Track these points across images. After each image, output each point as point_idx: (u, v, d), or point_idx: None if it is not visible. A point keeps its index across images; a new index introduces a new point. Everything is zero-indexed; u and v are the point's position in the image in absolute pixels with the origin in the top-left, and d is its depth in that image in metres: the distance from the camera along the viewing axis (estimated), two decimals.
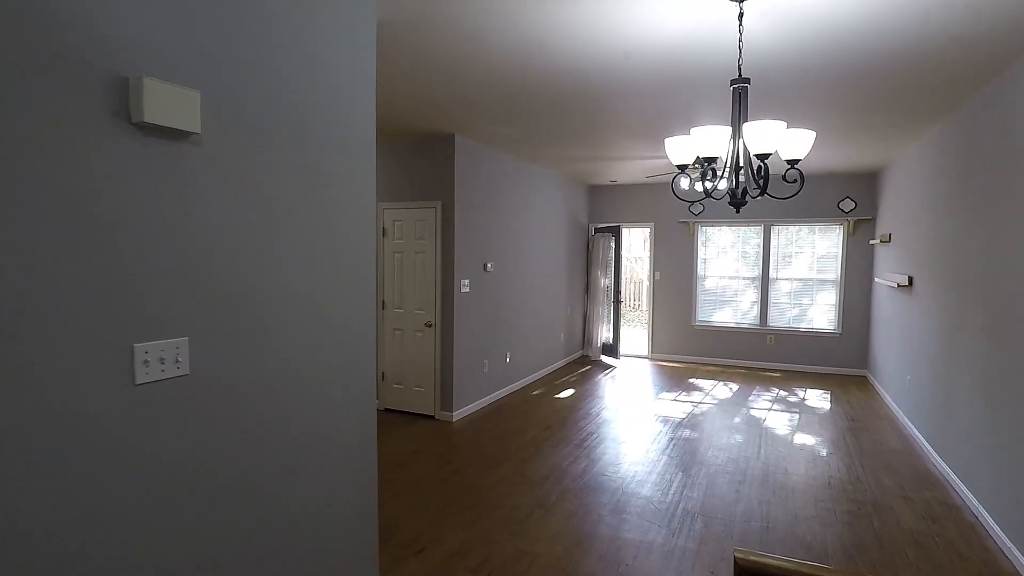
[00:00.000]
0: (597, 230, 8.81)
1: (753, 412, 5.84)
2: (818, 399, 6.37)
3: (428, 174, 5.40)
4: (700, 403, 6.17)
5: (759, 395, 6.54)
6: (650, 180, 8.19)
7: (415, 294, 5.52)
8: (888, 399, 6.13)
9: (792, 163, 2.35)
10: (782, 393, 6.63)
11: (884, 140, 5.42)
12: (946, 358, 4.20)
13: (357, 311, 2.14)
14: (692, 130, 2.33)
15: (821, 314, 7.87)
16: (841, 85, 3.74)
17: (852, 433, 5.14)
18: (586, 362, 8.43)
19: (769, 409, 5.95)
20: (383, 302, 5.66)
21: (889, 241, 6.34)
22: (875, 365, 7.05)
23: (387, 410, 5.70)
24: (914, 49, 3.04)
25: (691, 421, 5.49)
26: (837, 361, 7.72)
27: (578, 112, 4.42)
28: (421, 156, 5.42)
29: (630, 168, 7.13)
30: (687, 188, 6.60)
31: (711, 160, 2.34)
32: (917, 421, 4.94)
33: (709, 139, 2.29)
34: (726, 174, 2.49)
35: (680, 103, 4.14)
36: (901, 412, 5.51)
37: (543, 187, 7.23)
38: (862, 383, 7.15)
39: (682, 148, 2.50)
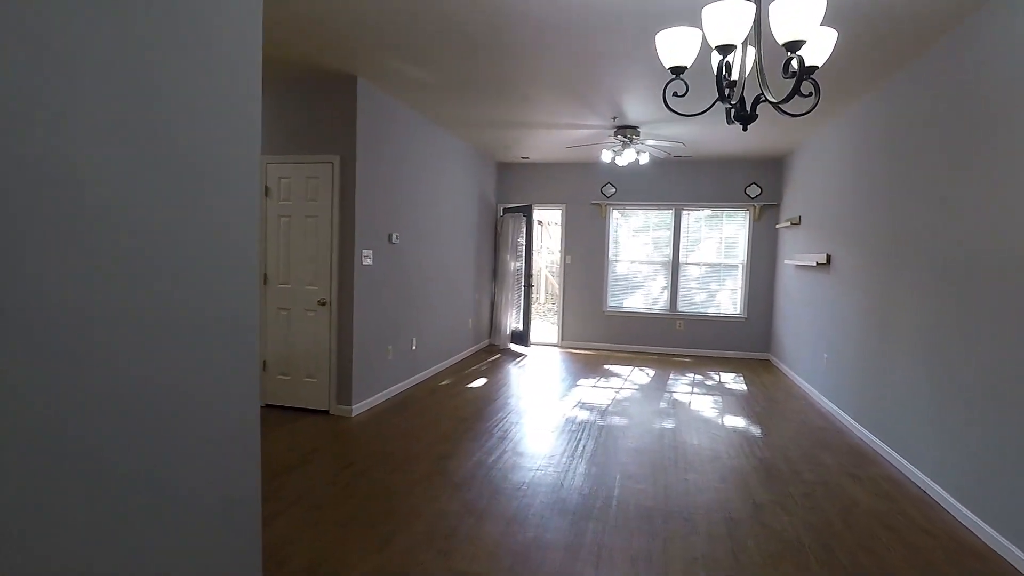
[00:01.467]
0: (506, 210, 8.26)
1: (677, 396, 5.56)
2: (733, 382, 6.26)
3: (324, 123, 4.51)
4: (621, 389, 5.80)
5: (677, 379, 6.32)
6: (563, 160, 7.78)
7: (305, 266, 4.60)
8: (798, 379, 6.15)
9: (810, 70, 1.86)
10: (698, 377, 6.47)
11: (791, 120, 5.35)
12: (879, 331, 4.09)
13: (232, 286, 1.41)
14: (704, 10, 1.78)
15: (727, 299, 7.90)
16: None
17: (776, 414, 4.99)
18: (494, 351, 7.85)
19: (691, 393, 5.72)
20: (265, 276, 4.67)
21: (799, 224, 6.38)
22: (779, 347, 7.13)
23: (268, 406, 4.72)
24: (845, 17, 2.78)
25: (617, 408, 5.08)
26: (743, 345, 7.77)
27: (498, 51, 3.81)
28: (315, 101, 4.52)
29: (547, 141, 6.64)
30: (608, 162, 6.24)
31: (727, 48, 1.80)
32: (837, 398, 4.88)
33: (726, 18, 1.74)
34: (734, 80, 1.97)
35: (624, 43, 3.65)
36: (816, 391, 5.49)
37: (453, 157, 6.53)
38: (767, 366, 7.22)
39: (681, 42, 1.94)
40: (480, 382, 5.92)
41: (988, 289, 2.84)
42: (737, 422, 4.71)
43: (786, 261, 6.70)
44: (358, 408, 4.65)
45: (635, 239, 8.18)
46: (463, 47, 3.77)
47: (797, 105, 1.92)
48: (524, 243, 8.00)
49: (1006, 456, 2.64)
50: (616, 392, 5.65)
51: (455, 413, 4.75)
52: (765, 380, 6.38)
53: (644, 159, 6.05)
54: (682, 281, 7.98)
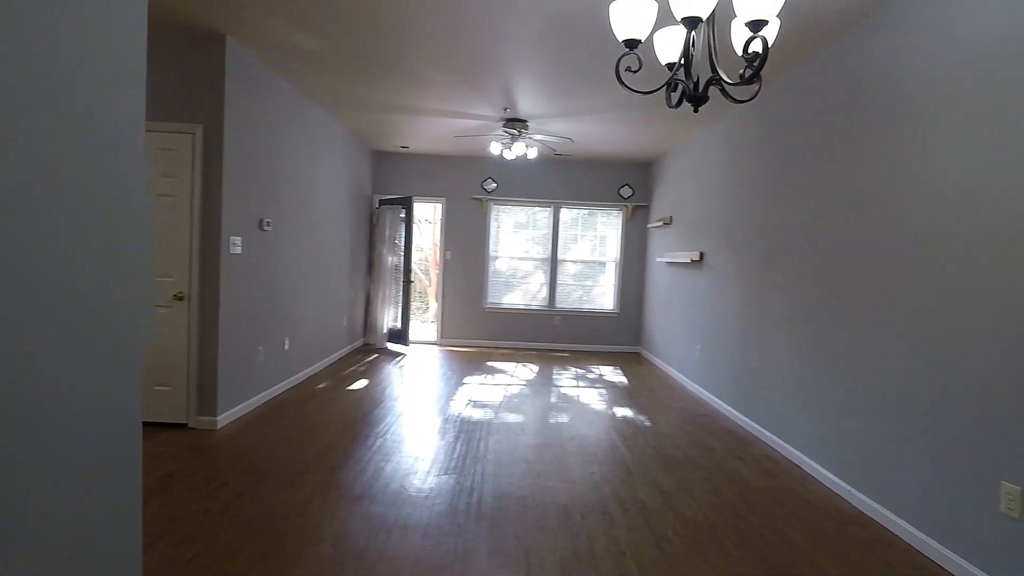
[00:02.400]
0: (383, 202, 7.82)
1: (564, 390, 5.60)
2: (613, 374, 6.48)
3: (183, 86, 3.84)
4: (510, 385, 5.72)
5: (560, 374, 6.39)
6: (444, 152, 7.54)
7: (158, 253, 3.89)
8: (671, 370, 6.53)
9: (756, 31, 1.79)
10: (580, 371, 6.61)
11: (669, 124, 5.68)
12: (753, 323, 4.43)
13: (114, 269, 1.05)
14: None
15: (601, 295, 8.20)
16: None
17: (658, 404, 5.22)
18: (370, 351, 7.38)
19: (577, 386, 5.80)
20: None
21: (670, 223, 6.78)
22: (650, 341, 7.55)
23: None
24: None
25: (510, 405, 4.97)
26: (615, 339, 8.12)
27: (388, 23, 3.50)
28: (172, 59, 3.83)
29: (431, 130, 6.36)
30: (498, 154, 6.14)
31: (694, 23, 1.72)
32: (712, 387, 5.23)
33: None
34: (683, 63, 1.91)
35: (529, 30, 3.54)
36: (689, 381, 5.85)
37: (329, 141, 6.00)
38: (639, 358, 7.60)
39: (638, 14, 1.83)
40: (362, 384, 5.49)
41: (854, 280, 3.15)
42: (626, 412, 4.84)
43: (657, 259, 7.10)
44: (225, 418, 4.03)
45: (516, 235, 8.18)
46: (352, 12, 3.41)
47: (742, 91, 1.91)
48: (403, 237, 7.62)
49: (873, 431, 2.94)
50: (505, 389, 5.55)
51: (340, 419, 4.32)
52: (640, 372, 6.69)
53: (532, 153, 6.03)
54: (560, 278, 8.14)
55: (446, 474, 3.32)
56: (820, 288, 3.54)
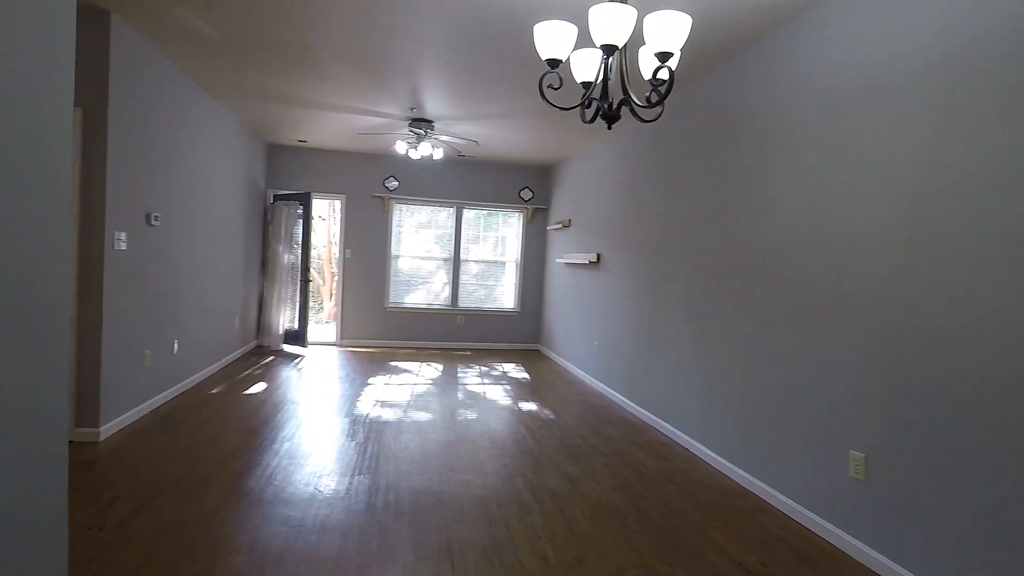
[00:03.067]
0: (278, 197, 7.49)
1: (471, 388, 5.72)
2: (516, 371, 6.70)
3: None
4: (416, 385, 5.74)
5: (465, 372, 6.50)
6: (344, 148, 7.37)
7: None
8: (569, 366, 6.87)
9: (663, 62, 2.03)
10: (484, 368, 6.76)
11: (570, 132, 6.00)
12: (648, 320, 4.81)
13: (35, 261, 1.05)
14: (592, 9, 1.85)
15: (503, 295, 8.42)
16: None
17: (559, 397, 5.50)
18: (265, 353, 7.05)
19: (483, 384, 5.94)
20: None
21: (569, 226, 7.12)
22: (549, 338, 7.87)
23: None
24: None
25: (418, 403, 5.01)
26: (516, 337, 8.37)
27: (298, 13, 3.44)
28: None
29: (332, 125, 6.21)
30: (404, 153, 6.13)
31: (611, 50, 1.90)
32: (609, 380, 5.60)
33: (610, 21, 1.84)
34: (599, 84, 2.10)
35: (443, 36, 3.62)
36: (588, 375, 6.20)
37: (223, 133, 5.66)
38: (539, 355, 7.90)
39: (559, 36, 1.99)
40: (260, 387, 5.26)
41: (731, 280, 3.56)
42: (531, 407, 5.05)
43: (557, 260, 7.43)
44: (109, 429, 3.72)
45: (418, 235, 8.17)
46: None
47: (647, 111, 2.14)
48: (301, 234, 7.35)
49: (749, 414, 3.35)
50: (412, 388, 5.57)
51: (241, 424, 4.13)
52: (541, 368, 6.97)
53: (439, 154, 6.08)
54: (463, 277, 8.25)
55: (360, 474, 3.31)
56: (704, 287, 3.94)
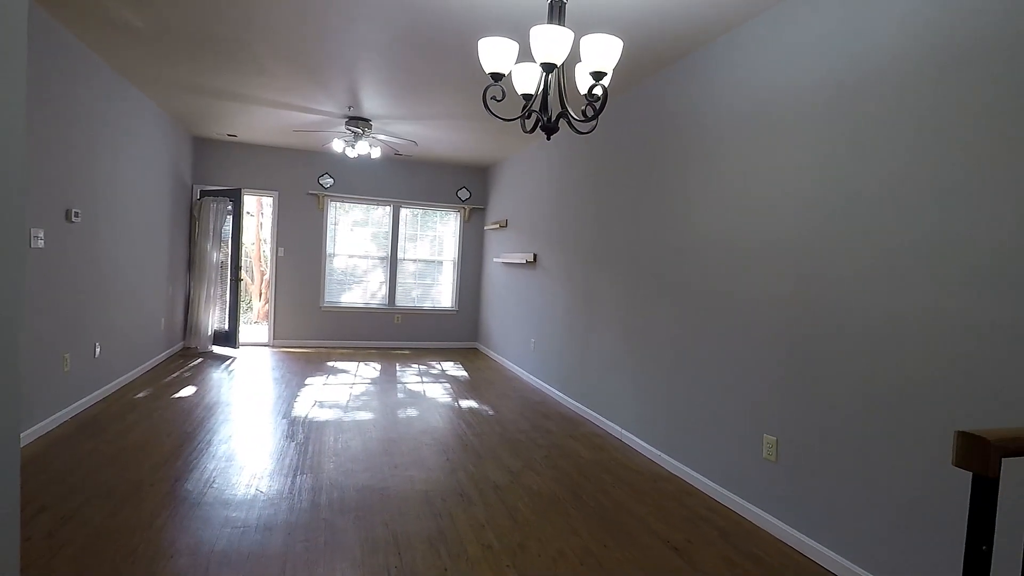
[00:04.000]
0: (205, 193, 7.21)
1: (410, 387, 5.76)
2: (454, 369, 6.78)
3: None
4: (355, 384, 5.72)
5: (404, 371, 6.52)
6: (277, 144, 7.19)
7: None
8: (507, 363, 7.03)
9: (597, 80, 2.19)
10: (422, 367, 6.80)
11: (507, 135, 6.15)
12: (582, 318, 5.03)
13: None
14: (532, 30, 1.99)
15: (440, 294, 8.47)
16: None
17: (499, 394, 5.64)
18: (193, 355, 6.78)
19: (422, 382, 5.99)
20: None
21: (506, 226, 7.27)
22: (487, 336, 8.00)
23: None
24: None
25: (358, 403, 5.01)
26: (454, 336, 8.44)
27: (231, 6, 3.40)
28: None
29: (265, 120, 6.06)
30: (341, 152, 6.08)
31: (550, 68, 2.04)
32: (546, 376, 5.79)
33: (548, 42, 1.98)
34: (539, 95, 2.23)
35: (382, 38, 3.66)
36: (525, 372, 6.38)
37: (146, 125, 5.41)
38: (477, 353, 8.01)
39: (502, 52, 2.11)
40: (190, 391, 5.08)
41: (670, 284, 3.81)
42: (471, 404, 5.16)
43: (494, 259, 7.56)
44: (26, 437, 3.52)
45: (354, 233, 8.08)
46: None
47: (583, 124, 2.30)
48: (231, 232, 7.11)
49: (673, 405, 3.61)
50: (350, 388, 5.55)
51: (172, 429, 4.00)
52: (479, 366, 7.08)
53: (376, 153, 6.07)
54: (400, 276, 8.23)
55: (303, 474, 3.32)
56: (634, 289, 4.19)
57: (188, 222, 7.19)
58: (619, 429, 4.33)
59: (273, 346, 7.66)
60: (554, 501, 3.14)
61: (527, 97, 2.33)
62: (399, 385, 5.79)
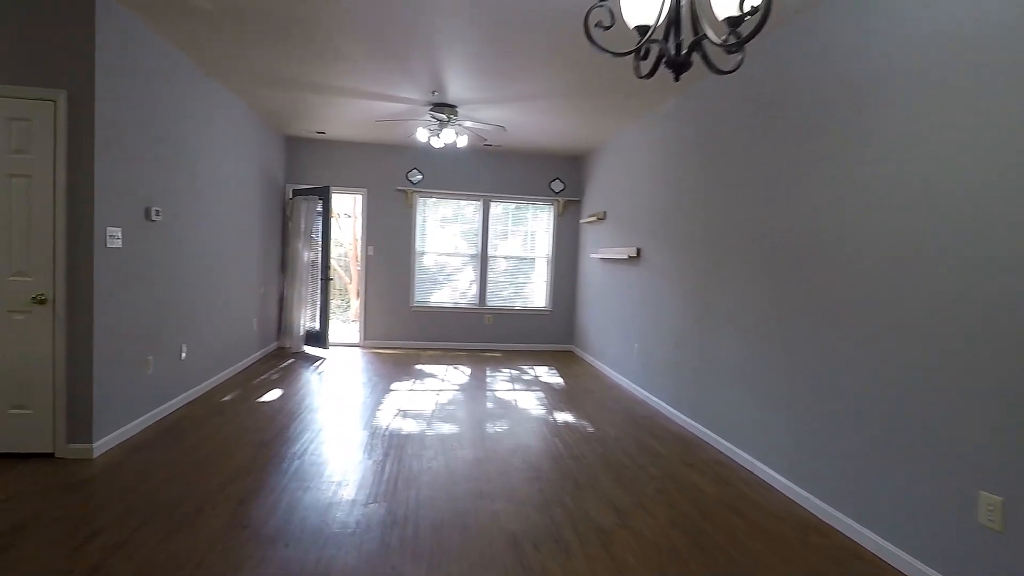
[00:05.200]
0: (297, 192, 7.15)
1: (500, 395, 5.27)
2: (548, 375, 6.23)
3: (39, 41, 3.15)
4: (441, 391, 5.32)
5: (494, 376, 6.06)
6: (365, 140, 6.99)
7: (9, 248, 3.18)
8: (606, 369, 6.37)
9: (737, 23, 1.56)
10: (514, 372, 6.30)
11: (604, 116, 5.48)
12: (697, 321, 4.28)
13: None
14: None
15: (533, 292, 7.94)
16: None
17: (598, 406, 5.01)
18: (285, 355, 6.73)
19: (513, 390, 5.49)
20: None
21: (604, 219, 6.61)
22: (582, 339, 7.38)
23: None
24: None
25: (444, 414, 4.58)
26: (548, 338, 7.89)
27: None
28: (22, 5, 3.13)
29: (350, 113, 5.82)
30: (425, 142, 5.71)
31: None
32: (651, 386, 5.08)
33: None
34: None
35: (460, 10, 3.16)
36: (627, 380, 5.69)
37: (236, 124, 5.32)
38: (572, 357, 7.41)
39: None
40: (275, 394, 4.90)
41: (802, 274, 3.02)
42: (567, 417, 4.58)
43: (591, 255, 6.92)
44: (104, 444, 3.38)
45: (443, 230, 7.75)
46: None
47: (725, 60, 1.64)
48: (320, 230, 7.00)
49: (830, 434, 2.81)
50: (437, 395, 5.15)
51: (250, 437, 3.76)
52: (576, 371, 6.48)
53: (463, 142, 5.64)
54: (490, 275, 7.80)
55: (375, 502, 2.89)
56: (768, 283, 3.41)
57: (281, 222, 7.17)
58: (748, 458, 3.57)
59: (364, 346, 7.50)
60: (673, 555, 2.48)
61: (643, 30, 1.71)
62: (488, 393, 5.32)
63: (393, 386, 5.42)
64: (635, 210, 5.66)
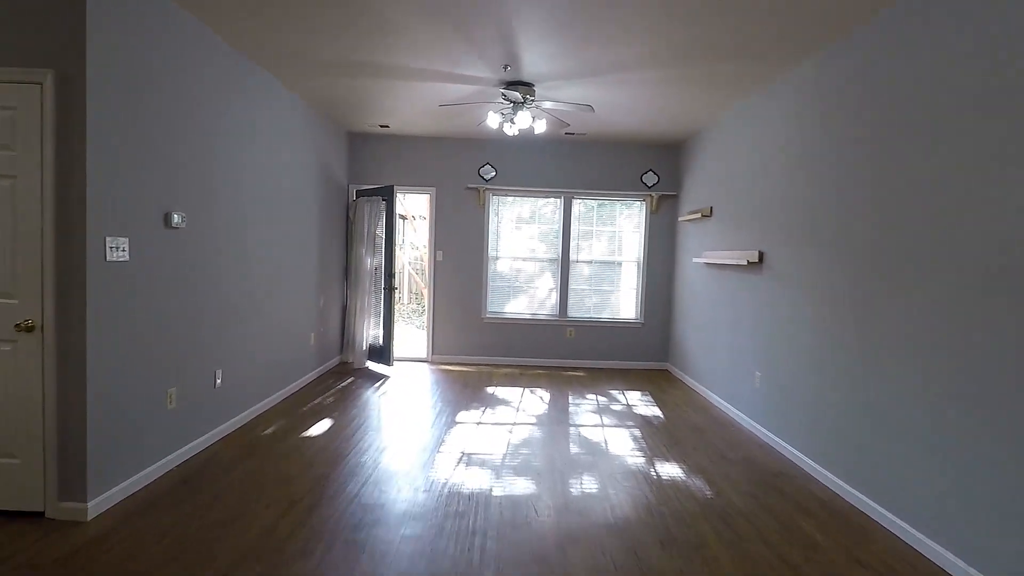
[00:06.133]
0: (360, 193, 6.55)
1: (585, 432, 4.33)
2: (641, 403, 5.21)
3: (19, 7, 2.57)
4: (515, 425, 4.45)
5: (578, 404, 5.12)
6: (433, 133, 6.27)
7: None
8: (712, 397, 5.27)
9: None
10: (601, 399, 5.34)
11: (713, 88, 4.40)
12: (849, 349, 3.15)
13: None
14: None
15: (621, 302, 6.92)
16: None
17: (712, 452, 3.95)
18: (347, 372, 6.13)
19: (600, 424, 4.53)
20: None
21: (711, 215, 5.50)
22: (680, 357, 6.28)
23: None
24: None
25: (516, 460, 3.71)
26: (639, 354, 6.84)
27: None
28: None
29: (413, 100, 5.09)
30: (497, 128, 4.88)
31: None
32: (781, 429, 3.97)
33: None
34: None
35: None
36: (744, 415, 4.58)
37: (286, 116, 4.72)
38: (668, 378, 6.33)
39: None
40: (323, 426, 4.23)
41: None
42: (674, 471, 3.57)
43: (694, 259, 5.81)
44: (103, 502, 2.78)
45: (519, 232, 6.90)
46: None
47: None
48: (384, 235, 6.35)
49: None
50: (509, 432, 4.29)
51: (279, 490, 3.06)
52: (675, 398, 5.42)
53: (541, 126, 4.74)
54: (572, 281, 6.86)
55: None
56: (986, 304, 2.27)
57: (345, 226, 6.60)
58: (948, 556, 2.43)
59: (431, 361, 6.79)
60: None
61: None
62: (572, 429, 4.40)
63: (460, 416, 4.61)
64: (754, 205, 4.54)
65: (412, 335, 9.03)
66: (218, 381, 3.80)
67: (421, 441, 3.99)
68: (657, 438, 4.22)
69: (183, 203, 3.32)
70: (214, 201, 3.66)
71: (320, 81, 4.60)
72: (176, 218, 3.24)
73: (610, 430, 4.39)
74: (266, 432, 4.03)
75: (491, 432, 4.24)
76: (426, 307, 11.34)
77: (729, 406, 4.89)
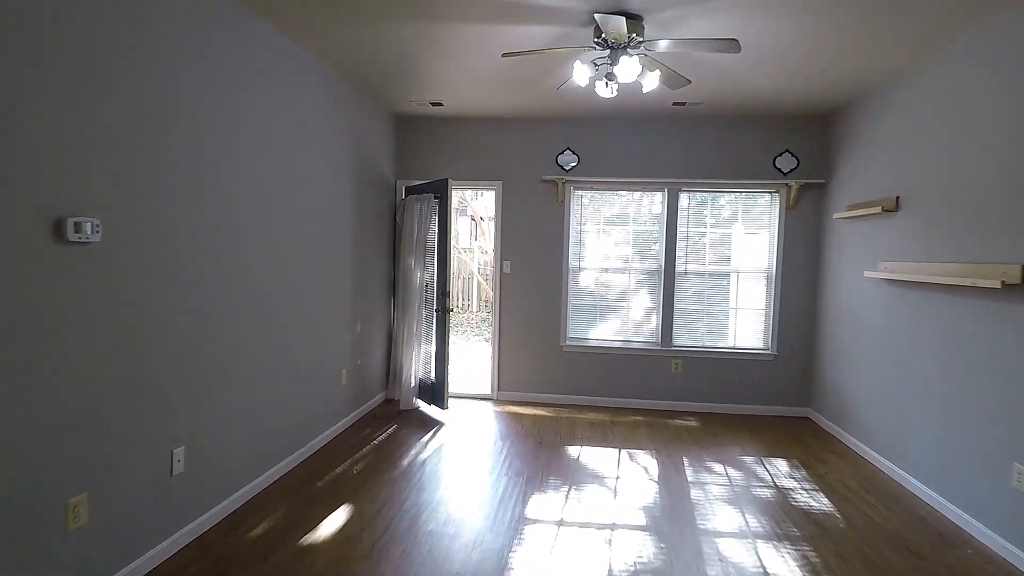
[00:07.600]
0: (410, 190, 5.28)
1: (727, 550, 2.78)
2: (795, 483, 3.59)
3: None
4: (615, 528, 2.97)
5: (702, 485, 3.56)
6: (496, 114, 4.88)
7: None
8: (897, 471, 3.56)
9: None
10: (732, 473, 3.75)
11: (912, 20, 2.72)
12: None
13: None
14: None
15: (744, 326, 5.26)
16: None
17: None
18: (390, 415, 4.86)
19: (748, 533, 2.96)
20: None
21: (895, 209, 3.78)
22: (834, 405, 4.56)
23: None
24: None
25: None
26: (769, 396, 5.16)
27: None
28: None
29: (470, 60, 3.72)
30: (587, 85, 3.42)
31: None
32: None
33: None
34: None
35: None
36: (993, 533, 2.87)
37: (304, 90, 3.48)
38: (814, 431, 4.63)
39: None
40: (336, 522, 2.93)
41: None
42: None
43: (866, 273, 4.07)
44: None
45: (608, 236, 5.40)
46: None
47: None
48: (435, 240, 5.04)
49: None
50: (608, 542, 2.81)
51: None
52: (837, 471, 3.75)
53: (652, 83, 3.22)
54: (679, 299, 5.27)
55: None
56: None
57: (392, 232, 5.36)
58: None
59: (496, 399, 5.42)
60: None
61: None
62: (704, 543, 2.86)
63: (533, 505, 3.19)
64: (1001, 195, 2.82)
65: (477, 353, 7.70)
66: (178, 464, 2.58)
67: (472, 560, 2.59)
68: (848, 566, 2.60)
69: (102, 202, 2.09)
70: (172, 200, 2.43)
71: (342, 38, 3.32)
72: (91, 227, 2.00)
73: (765, 548, 2.81)
74: (251, 535, 2.77)
75: (580, 543, 2.78)
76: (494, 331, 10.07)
77: (952, 507, 3.17)
